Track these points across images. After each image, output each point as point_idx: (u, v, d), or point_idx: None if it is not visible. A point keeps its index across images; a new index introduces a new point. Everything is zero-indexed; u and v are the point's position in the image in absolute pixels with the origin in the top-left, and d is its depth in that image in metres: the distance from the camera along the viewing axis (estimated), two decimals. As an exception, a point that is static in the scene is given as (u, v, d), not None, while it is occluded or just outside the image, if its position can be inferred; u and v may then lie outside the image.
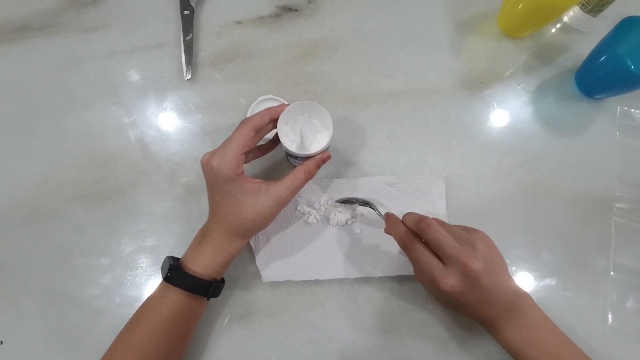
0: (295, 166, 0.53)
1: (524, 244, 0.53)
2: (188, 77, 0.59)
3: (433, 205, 0.54)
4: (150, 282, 0.52)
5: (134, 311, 0.50)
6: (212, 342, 0.49)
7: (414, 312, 0.51)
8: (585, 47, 0.60)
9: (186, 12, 0.61)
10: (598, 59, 0.56)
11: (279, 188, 0.44)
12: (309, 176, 0.46)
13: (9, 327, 0.50)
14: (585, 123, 0.58)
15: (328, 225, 0.53)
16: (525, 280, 0.52)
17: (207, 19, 0.62)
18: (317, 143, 0.47)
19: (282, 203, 0.44)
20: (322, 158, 0.47)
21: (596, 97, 0.59)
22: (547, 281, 0.52)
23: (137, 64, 0.60)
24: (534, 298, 0.50)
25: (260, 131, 0.45)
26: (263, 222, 0.45)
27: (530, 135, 0.58)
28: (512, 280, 0.44)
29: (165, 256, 0.46)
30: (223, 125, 0.57)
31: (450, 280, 0.40)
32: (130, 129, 0.57)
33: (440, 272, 0.41)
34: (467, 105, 0.59)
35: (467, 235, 0.42)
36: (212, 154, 0.43)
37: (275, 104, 0.57)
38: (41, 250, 0.53)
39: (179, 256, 0.46)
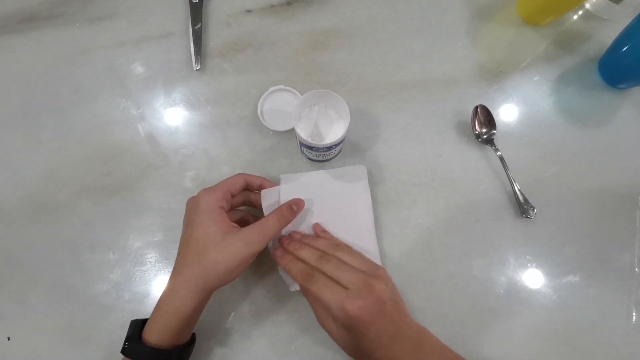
0: (309, 158, 0.52)
1: (544, 238, 0.51)
2: (197, 68, 0.57)
3: (360, 198, 0.51)
4: (159, 278, 0.51)
5: (143, 307, 0.49)
6: (224, 339, 0.48)
7: (428, 310, 0.49)
8: (608, 35, 0.58)
9: (195, 0, 0.59)
10: (622, 47, 0.54)
11: (249, 230, 0.42)
12: (283, 221, 0.44)
13: (17, 322, 0.49)
14: (609, 113, 0.56)
15: None
16: (546, 276, 0.50)
17: (217, 8, 0.60)
18: (333, 134, 0.45)
19: (251, 246, 0.41)
20: (297, 202, 0.46)
21: (620, 86, 0.57)
22: (570, 278, 0.50)
23: (145, 55, 0.58)
24: (556, 296, 0.50)
25: (247, 188, 0.48)
26: (227, 267, 0.41)
27: (552, 127, 0.56)
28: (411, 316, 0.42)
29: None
30: (233, 117, 0.56)
31: (356, 301, 0.37)
32: (138, 121, 0.56)
33: (346, 294, 0.38)
34: (485, 96, 0.57)
35: (369, 265, 0.42)
36: (203, 192, 0.44)
37: (286, 94, 0.55)
38: (49, 244, 0.52)
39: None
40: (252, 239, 0.41)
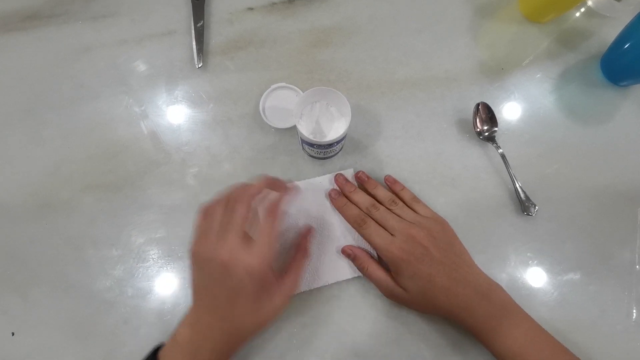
0: (310, 155, 0.52)
1: (545, 236, 0.51)
2: (199, 66, 0.57)
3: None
4: (161, 274, 0.51)
5: (146, 303, 0.49)
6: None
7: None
8: (609, 32, 0.58)
9: (197, -2, 0.59)
10: (624, 44, 0.54)
11: (290, 283, 0.42)
12: (307, 255, 0.47)
13: (21, 318, 0.50)
14: (611, 111, 0.56)
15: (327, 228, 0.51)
16: (546, 274, 0.50)
17: (218, 6, 0.61)
18: (334, 131, 0.46)
19: (279, 313, 0.41)
20: (310, 231, 0.48)
21: (622, 84, 0.57)
22: (570, 275, 0.50)
23: (147, 52, 0.59)
24: (556, 293, 0.49)
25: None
26: (267, 322, 0.41)
27: (553, 124, 0.56)
28: (481, 270, 0.45)
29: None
30: (235, 114, 0.56)
31: (400, 244, 0.43)
32: (140, 118, 0.56)
33: (391, 239, 0.44)
34: (486, 94, 0.57)
35: (421, 218, 0.46)
36: (238, 248, 0.37)
37: (288, 92, 0.55)
38: (52, 241, 0.52)
39: None
40: (294, 290, 0.43)
